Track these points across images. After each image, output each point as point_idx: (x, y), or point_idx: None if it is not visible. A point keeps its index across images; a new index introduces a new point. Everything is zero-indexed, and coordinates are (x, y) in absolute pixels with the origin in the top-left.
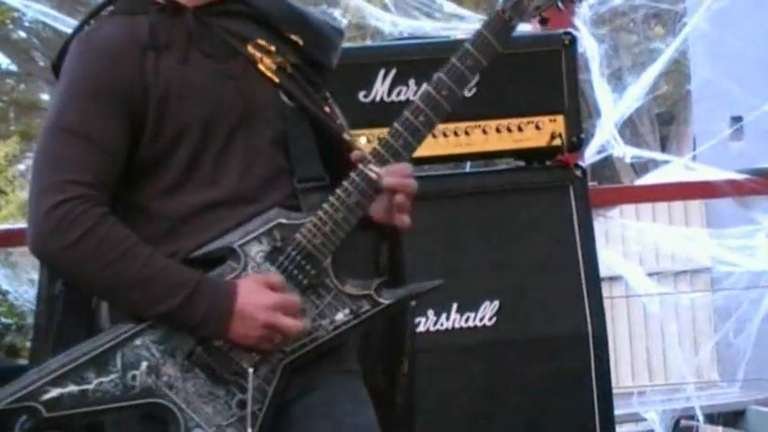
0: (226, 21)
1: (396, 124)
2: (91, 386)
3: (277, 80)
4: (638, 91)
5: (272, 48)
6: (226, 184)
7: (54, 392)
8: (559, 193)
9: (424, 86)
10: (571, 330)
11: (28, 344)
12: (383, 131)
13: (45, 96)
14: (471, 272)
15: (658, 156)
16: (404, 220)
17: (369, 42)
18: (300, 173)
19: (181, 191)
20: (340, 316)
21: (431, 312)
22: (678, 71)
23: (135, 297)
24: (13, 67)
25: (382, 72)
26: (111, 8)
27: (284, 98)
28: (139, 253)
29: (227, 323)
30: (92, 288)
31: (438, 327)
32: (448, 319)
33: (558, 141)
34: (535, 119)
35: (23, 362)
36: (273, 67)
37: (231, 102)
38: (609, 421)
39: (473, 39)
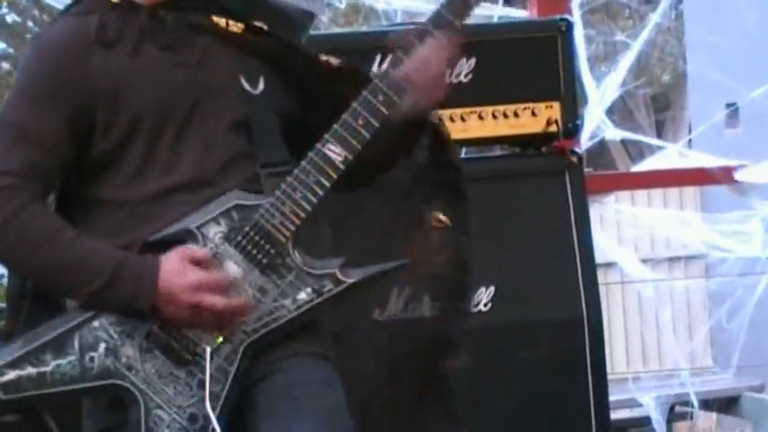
0: (183, 13)
1: (354, 104)
2: (48, 368)
3: (247, 37)
4: (615, 81)
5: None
6: (183, 169)
7: (11, 375)
8: (555, 180)
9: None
10: (566, 316)
11: None
12: None
13: None
14: None
15: (652, 141)
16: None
17: (363, 26)
18: (263, 157)
19: (140, 179)
20: (302, 295)
21: (425, 298)
22: (673, 57)
23: (61, 281)
24: (9, 51)
25: (378, 58)
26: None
27: (246, 85)
28: (61, 238)
29: (154, 303)
30: (24, 274)
31: (434, 312)
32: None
33: (554, 127)
34: (531, 105)
35: None
36: (242, 26)
37: (184, 89)
38: (604, 407)
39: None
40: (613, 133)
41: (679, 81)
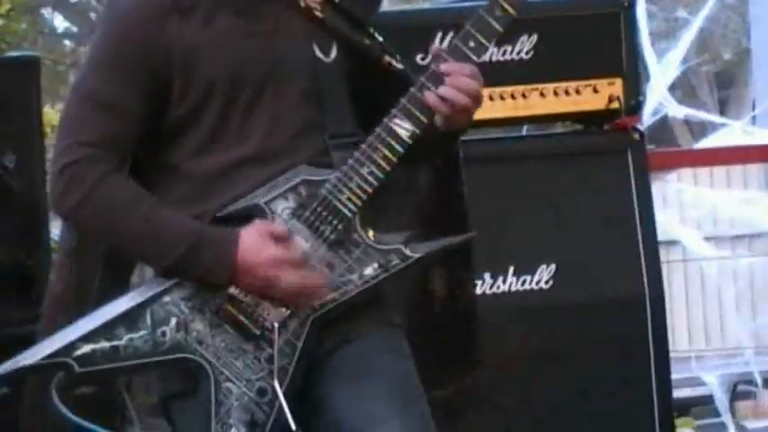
0: None
1: (422, 78)
2: (122, 342)
3: (321, 15)
4: (676, 57)
5: None
6: (253, 141)
7: (86, 348)
8: (617, 157)
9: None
10: (628, 294)
11: None
12: None
13: None
14: (527, 235)
15: (715, 118)
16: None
17: (426, 4)
18: (332, 129)
19: (210, 150)
20: (369, 270)
21: (487, 275)
22: (736, 33)
23: (140, 251)
24: (73, 30)
25: (440, 34)
26: None
27: (319, 54)
28: (140, 209)
29: (230, 275)
30: (109, 243)
31: (494, 290)
32: (504, 281)
33: (616, 104)
34: (593, 82)
35: None
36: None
37: (258, 59)
38: (666, 385)
39: None
40: (676, 110)
41: (742, 58)
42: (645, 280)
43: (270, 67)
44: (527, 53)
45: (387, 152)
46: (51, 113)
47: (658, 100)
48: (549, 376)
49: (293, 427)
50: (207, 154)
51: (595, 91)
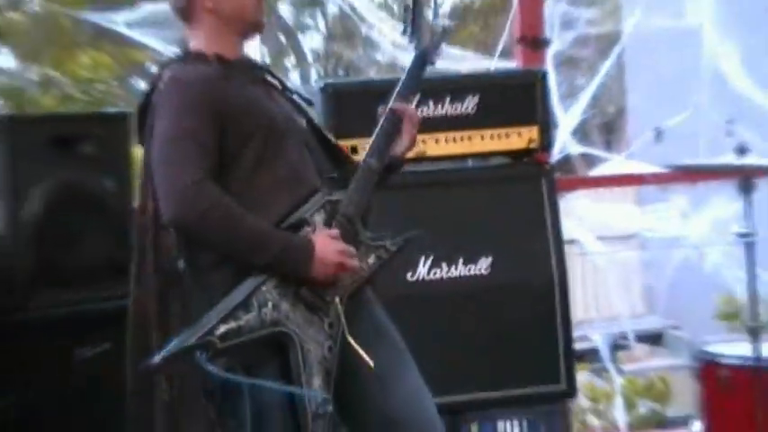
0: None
1: (384, 123)
2: (242, 322)
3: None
4: (576, 111)
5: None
6: (284, 170)
7: (223, 328)
8: (534, 182)
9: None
10: (543, 279)
11: None
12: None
13: None
14: (473, 235)
15: (602, 154)
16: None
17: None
18: (318, 166)
19: (254, 177)
20: (371, 260)
21: (444, 264)
22: (615, 93)
23: (248, 251)
24: None
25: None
26: (174, 61)
27: (298, 118)
28: (247, 218)
29: (310, 267)
30: (217, 244)
31: (450, 275)
32: (456, 269)
33: (534, 144)
34: (517, 128)
35: None
36: (279, 82)
37: (280, 114)
38: (569, 340)
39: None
40: (575, 148)
41: (621, 112)
42: (554, 269)
43: (283, 120)
44: (472, 108)
45: (371, 180)
46: None
47: (564, 141)
48: (488, 337)
49: (371, 363)
50: (252, 180)
51: (519, 135)
